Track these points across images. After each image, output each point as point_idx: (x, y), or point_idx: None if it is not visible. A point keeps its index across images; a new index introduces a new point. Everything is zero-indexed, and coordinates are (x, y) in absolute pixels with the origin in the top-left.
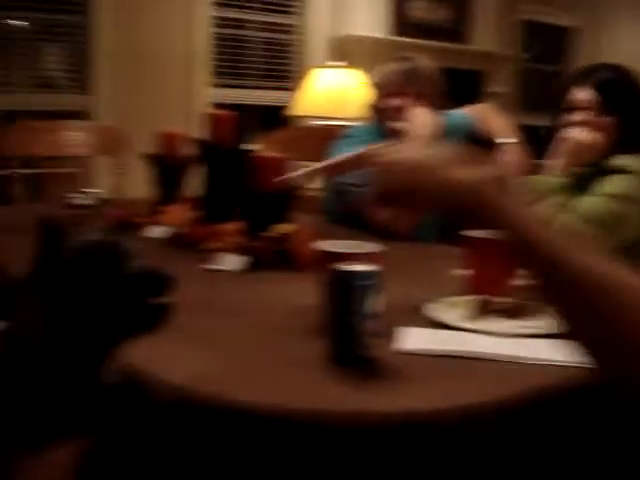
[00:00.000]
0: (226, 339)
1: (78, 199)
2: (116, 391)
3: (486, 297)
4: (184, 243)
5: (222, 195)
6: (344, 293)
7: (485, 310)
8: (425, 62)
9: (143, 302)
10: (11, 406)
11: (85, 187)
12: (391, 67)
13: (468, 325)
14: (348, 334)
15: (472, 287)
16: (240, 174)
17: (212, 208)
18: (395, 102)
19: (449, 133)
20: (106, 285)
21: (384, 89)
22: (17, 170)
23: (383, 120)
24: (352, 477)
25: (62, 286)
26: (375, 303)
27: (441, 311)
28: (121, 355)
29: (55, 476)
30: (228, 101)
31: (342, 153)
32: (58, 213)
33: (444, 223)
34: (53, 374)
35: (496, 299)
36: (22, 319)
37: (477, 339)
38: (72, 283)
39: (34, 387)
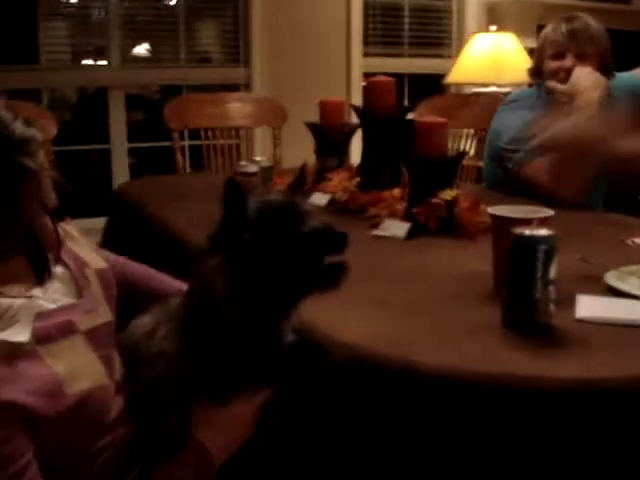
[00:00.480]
0: (397, 303)
1: (247, 167)
2: (293, 349)
3: None
4: (348, 210)
5: (384, 161)
6: (527, 258)
7: None
8: (593, 22)
9: (321, 259)
10: (197, 361)
11: (248, 157)
12: (559, 26)
13: None
14: (528, 300)
15: None
16: (401, 140)
17: (374, 175)
18: (562, 63)
19: (619, 95)
20: (287, 243)
21: (551, 49)
22: (181, 142)
23: (547, 83)
24: (528, 442)
25: (245, 246)
26: (554, 269)
27: (619, 279)
28: (298, 314)
29: (237, 427)
30: (384, 70)
31: (507, 119)
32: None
33: (609, 191)
34: (236, 331)
35: None
36: (206, 279)
37: None
38: (255, 242)
39: (219, 343)
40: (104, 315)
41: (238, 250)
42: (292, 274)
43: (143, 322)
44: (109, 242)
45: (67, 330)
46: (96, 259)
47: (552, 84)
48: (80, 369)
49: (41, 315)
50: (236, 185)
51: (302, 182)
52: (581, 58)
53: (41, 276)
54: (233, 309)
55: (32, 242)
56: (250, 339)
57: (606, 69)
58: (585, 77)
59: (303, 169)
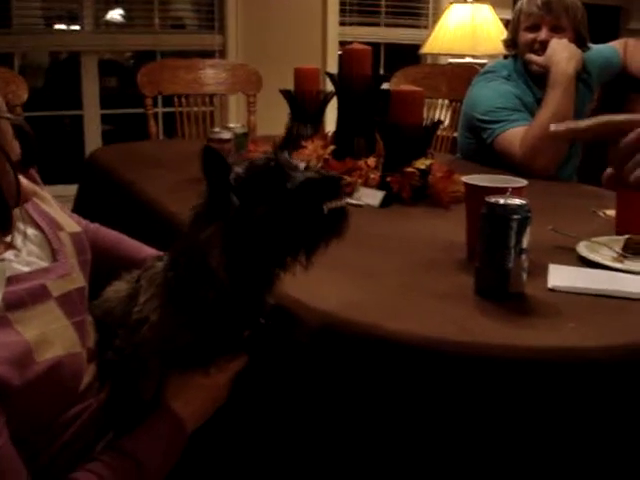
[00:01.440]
0: (372, 271)
1: (220, 133)
2: (270, 315)
3: (635, 236)
4: None
5: (359, 130)
6: (500, 227)
7: (634, 249)
8: None
9: (320, 208)
10: (181, 327)
11: (222, 124)
12: None
13: (617, 265)
14: (500, 269)
15: (621, 226)
16: (376, 109)
17: (349, 143)
18: (537, 35)
19: (593, 68)
20: (279, 199)
21: (526, 21)
22: (154, 109)
23: (523, 55)
24: (499, 410)
25: (236, 211)
26: (527, 239)
27: (590, 250)
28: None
29: (210, 394)
30: (361, 39)
31: (482, 90)
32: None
33: (583, 163)
34: (228, 298)
35: None
36: (201, 249)
37: (626, 279)
38: (245, 205)
39: (209, 310)
40: (77, 280)
41: (231, 217)
42: (291, 228)
43: (118, 287)
44: (81, 209)
45: (39, 295)
46: (70, 223)
47: (529, 56)
48: (52, 336)
49: (12, 279)
50: (213, 152)
51: (290, 140)
52: (556, 30)
53: (1, 229)
54: (227, 276)
55: None
56: (236, 304)
57: (581, 41)
58: (561, 49)
59: (291, 128)
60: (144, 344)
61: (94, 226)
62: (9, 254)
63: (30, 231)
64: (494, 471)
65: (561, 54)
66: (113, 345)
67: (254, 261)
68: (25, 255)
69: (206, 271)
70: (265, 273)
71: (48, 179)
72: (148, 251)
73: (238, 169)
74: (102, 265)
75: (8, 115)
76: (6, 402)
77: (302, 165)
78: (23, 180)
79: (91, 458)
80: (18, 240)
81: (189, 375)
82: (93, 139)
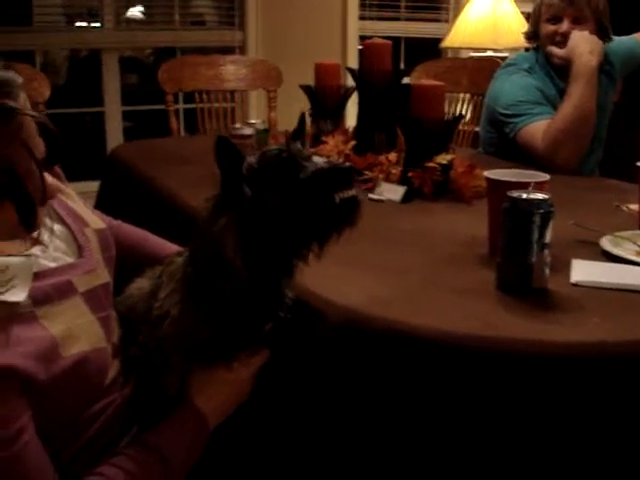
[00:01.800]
0: (394, 266)
1: (241, 129)
2: (290, 311)
3: None
4: None
5: (380, 125)
6: (523, 222)
7: None
8: None
9: (331, 197)
10: (202, 321)
11: (243, 120)
12: None
13: None
14: (523, 264)
15: None
16: (397, 104)
17: (369, 138)
18: (558, 27)
19: (616, 59)
20: (291, 189)
21: (547, 13)
22: (175, 105)
23: (544, 47)
24: (522, 405)
25: (249, 201)
26: (549, 233)
27: (614, 244)
28: (295, 279)
29: (233, 390)
30: (381, 33)
31: (504, 83)
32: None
33: (606, 157)
34: (247, 290)
35: None
36: (215, 241)
37: None
38: (258, 195)
39: (229, 303)
40: (102, 276)
41: (243, 207)
42: (304, 218)
43: (141, 284)
44: (103, 205)
45: (65, 291)
46: (95, 219)
47: (550, 49)
48: (78, 331)
49: (39, 275)
50: (227, 142)
51: (302, 130)
52: (578, 22)
53: (28, 226)
54: (245, 268)
55: (16, 187)
56: (255, 297)
57: (603, 32)
58: (583, 41)
59: (303, 117)
60: (166, 339)
61: (117, 223)
62: (36, 250)
63: (56, 227)
64: (516, 465)
65: (583, 46)
66: (137, 341)
67: (269, 251)
68: (52, 251)
69: (222, 263)
70: (281, 264)
71: (70, 176)
72: (172, 248)
73: (251, 159)
74: (126, 262)
75: (32, 112)
76: (32, 397)
77: (315, 156)
78: (48, 177)
79: (115, 452)
80: (45, 236)
81: (212, 370)
82: (114, 136)
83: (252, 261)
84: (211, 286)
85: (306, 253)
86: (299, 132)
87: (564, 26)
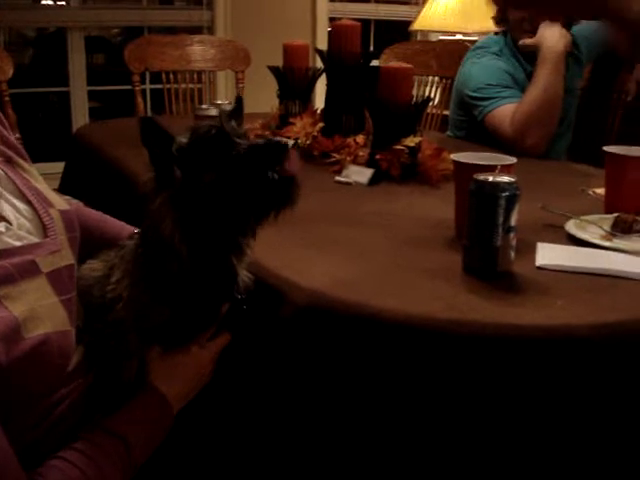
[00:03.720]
0: (358, 248)
1: (208, 110)
2: (251, 292)
3: (624, 215)
4: (311, 155)
5: (348, 107)
6: (488, 205)
7: (623, 228)
8: None
9: (266, 174)
10: (153, 303)
11: (212, 100)
12: None
13: (606, 243)
14: (488, 247)
15: (610, 204)
16: (365, 86)
17: (337, 120)
18: (523, 12)
19: (582, 37)
20: (223, 165)
21: None
22: (142, 85)
23: (513, 31)
24: (486, 388)
25: (181, 180)
26: (515, 217)
27: (579, 228)
28: (255, 261)
29: (195, 373)
30: (351, 15)
31: (473, 67)
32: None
33: (574, 142)
34: (190, 268)
35: (634, 217)
36: (154, 220)
37: (615, 257)
38: (189, 174)
39: (173, 282)
40: (67, 257)
41: (176, 187)
42: (239, 195)
43: (95, 266)
44: (68, 186)
45: (29, 271)
46: (60, 200)
47: (523, 42)
48: (41, 312)
49: (2, 253)
50: (152, 122)
51: (239, 111)
52: (543, 7)
53: None
54: (184, 246)
55: None
56: (204, 275)
57: (570, 17)
58: (551, 26)
59: (240, 99)
60: (121, 322)
61: (76, 204)
62: (0, 226)
63: (21, 206)
64: (482, 449)
65: (551, 31)
66: (93, 324)
67: (208, 228)
68: (17, 229)
69: (161, 241)
70: (225, 241)
71: (35, 156)
72: (130, 230)
73: (181, 139)
74: (85, 244)
75: None
76: None
77: (245, 132)
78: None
79: (77, 437)
80: (9, 214)
81: (171, 354)
82: (80, 116)
83: (192, 238)
84: (157, 266)
85: (251, 231)
86: (236, 112)
87: (524, 12)
